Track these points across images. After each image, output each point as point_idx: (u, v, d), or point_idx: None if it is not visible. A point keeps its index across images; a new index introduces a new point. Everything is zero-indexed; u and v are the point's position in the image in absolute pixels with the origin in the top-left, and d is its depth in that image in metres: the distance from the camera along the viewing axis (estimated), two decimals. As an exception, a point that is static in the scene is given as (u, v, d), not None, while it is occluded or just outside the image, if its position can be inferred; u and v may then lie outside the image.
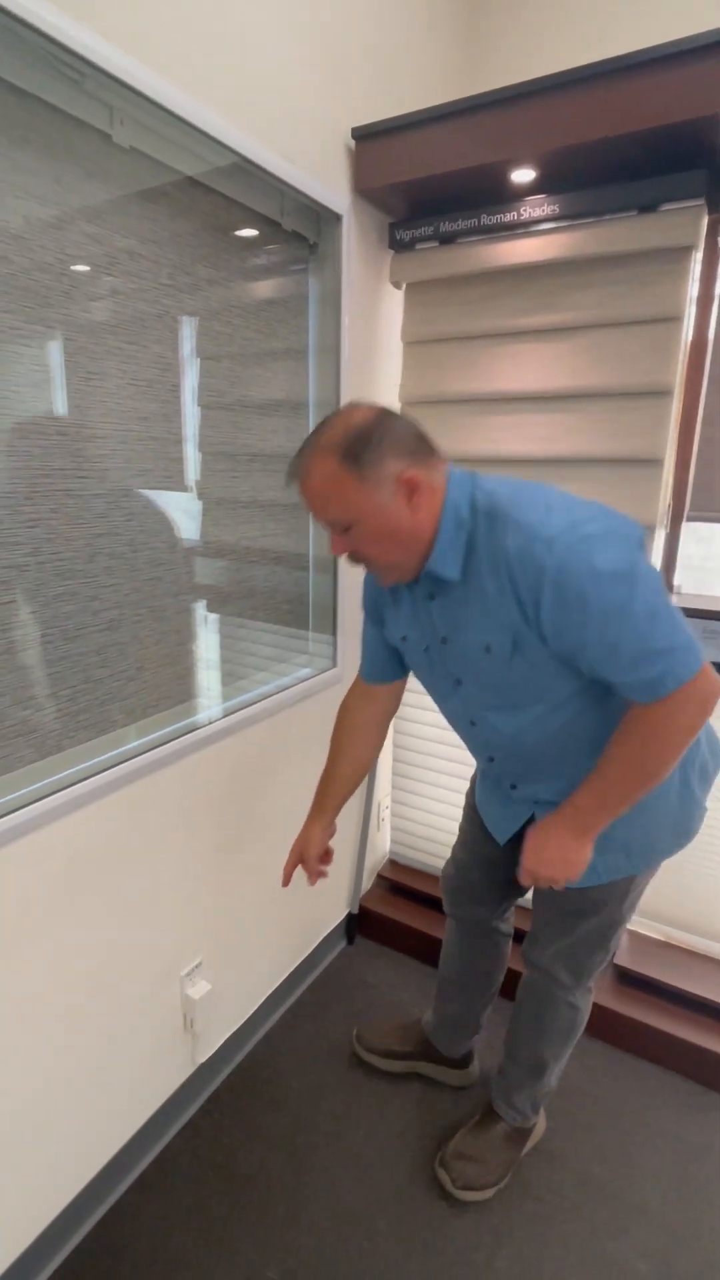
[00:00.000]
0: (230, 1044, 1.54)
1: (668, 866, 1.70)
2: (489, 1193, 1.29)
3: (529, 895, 1.29)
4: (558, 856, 1.01)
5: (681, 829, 1.11)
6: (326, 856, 1.27)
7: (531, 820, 1.14)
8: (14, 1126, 1.07)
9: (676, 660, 0.85)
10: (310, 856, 1.24)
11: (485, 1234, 1.24)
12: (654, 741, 0.90)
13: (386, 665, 1.21)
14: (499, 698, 1.01)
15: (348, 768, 1.25)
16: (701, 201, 1.31)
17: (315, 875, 1.26)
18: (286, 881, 1.25)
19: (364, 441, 0.88)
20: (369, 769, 1.28)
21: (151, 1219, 1.25)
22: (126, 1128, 1.30)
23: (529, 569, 0.86)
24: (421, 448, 0.93)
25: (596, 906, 1.14)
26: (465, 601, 0.97)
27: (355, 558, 0.97)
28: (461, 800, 1.41)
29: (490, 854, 1.29)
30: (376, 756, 1.29)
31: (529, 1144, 1.37)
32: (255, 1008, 1.62)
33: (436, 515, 0.94)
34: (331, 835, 1.27)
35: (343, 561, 1.64)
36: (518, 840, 1.20)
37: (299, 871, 1.27)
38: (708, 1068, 1.52)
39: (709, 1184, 1.33)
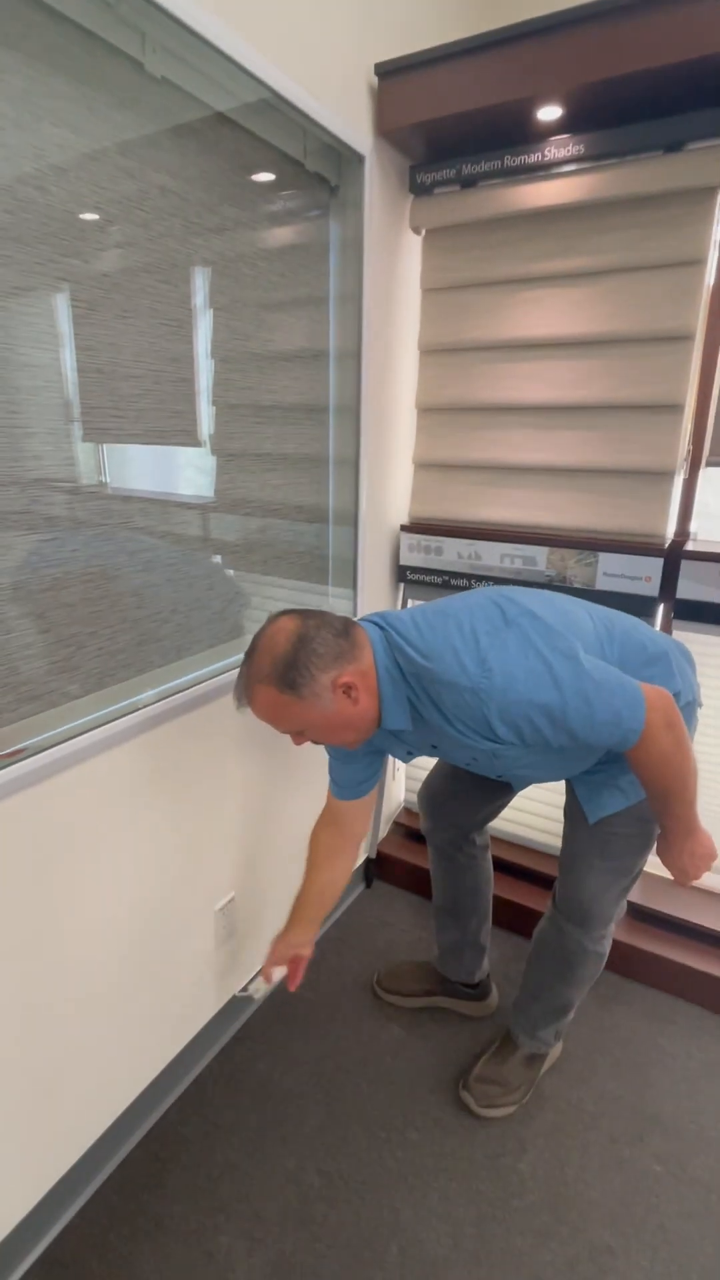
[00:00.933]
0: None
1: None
2: (511, 1109, 1.37)
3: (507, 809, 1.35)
4: (690, 863, 1.09)
5: None
6: (294, 965, 1.28)
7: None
8: (65, 1050, 1.12)
9: (625, 719, 0.96)
10: (271, 958, 1.27)
11: (510, 1141, 1.31)
12: (663, 768, 1.01)
13: (355, 787, 1.29)
14: (497, 767, 1.18)
15: (318, 889, 1.32)
16: (728, 139, 1.30)
17: (265, 975, 1.27)
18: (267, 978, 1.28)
19: (293, 668, 0.98)
20: (342, 888, 1.35)
21: (193, 1134, 1.32)
22: (166, 1051, 1.36)
23: (474, 716, 0.98)
24: (344, 645, 1.02)
25: (626, 827, 1.20)
26: (429, 732, 1.10)
27: (319, 743, 1.10)
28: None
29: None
30: (348, 876, 1.35)
31: (546, 1065, 1.44)
32: (282, 945, 1.68)
33: (375, 691, 1.05)
34: (305, 952, 1.29)
35: (364, 513, 1.66)
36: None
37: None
38: (713, 993, 1.60)
39: (717, 1095, 1.41)
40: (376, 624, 1.09)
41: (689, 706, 1.14)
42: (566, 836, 1.29)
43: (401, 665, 1.05)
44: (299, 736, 1.08)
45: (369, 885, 2.03)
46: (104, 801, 1.12)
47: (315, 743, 1.09)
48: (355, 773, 1.27)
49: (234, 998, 1.52)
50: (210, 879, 1.40)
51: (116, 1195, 1.22)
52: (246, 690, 1.04)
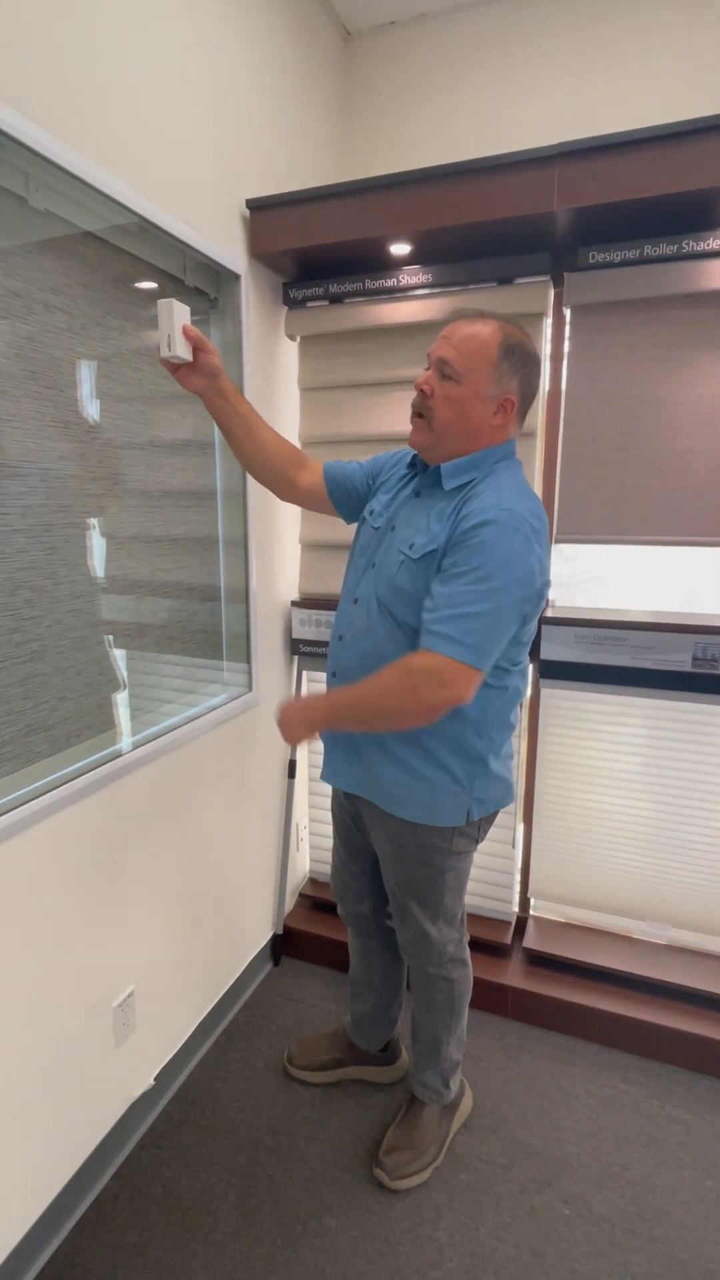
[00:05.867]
0: (165, 1074, 1.53)
1: (560, 854, 1.90)
2: (425, 1174, 1.37)
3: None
4: (296, 718, 1.17)
5: (446, 809, 1.22)
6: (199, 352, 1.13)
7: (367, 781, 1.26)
8: (-54, 1179, 1.03)
9: (466, 639, 1.03)
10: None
11: (426, 1210, 1.31)
12: (402, 682, 1.06)
13: (342, 481, 1.31)
14: (381, 588, 1.18)
15: (259, 420, 1.26)
16: (547, 278, 1.57)
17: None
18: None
19: (518, 356, 1.10)
20: (263, 447, 1.26)
21: (94, 1263, 1.22)
22: (61, 1173, 1.27)
23: (472, 510, 1.07)
24: (525, 414, 1.17)
25: (419, 864, 1.26)
26: (426, 510, 1.15)
27: (424, 404, 1.12)
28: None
29: (353, 848, 1.42)
30: (272, 458, 1.28)
31: (457, 1121, 1.47)
32: (188, 1036, 1.62)
33: (485, 446, 1.14)
34: (211, 373, 1.15)
35: (255, 591, 1.74)
36: (372, 836, 1.33)
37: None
38: (607, 1028, 1.70)
39: (615, 1130, 1.48)
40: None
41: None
42: (387, 883, 1.34)
43: (497, 468, 1.14)
44: (436, 378, 1.10)
45: (276, 963, 1.99)
46: (-11, 902, 1.08)
47: (424, 401, 1.11)
48: (352, 472, 1.31)
49: (135, 1101, 1.44)
50: (106, 974, 1.35)
51: (5, 1350, 1.10)
52: (484, 317, 1.10)
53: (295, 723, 1.17)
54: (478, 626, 1.03)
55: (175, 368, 1.14)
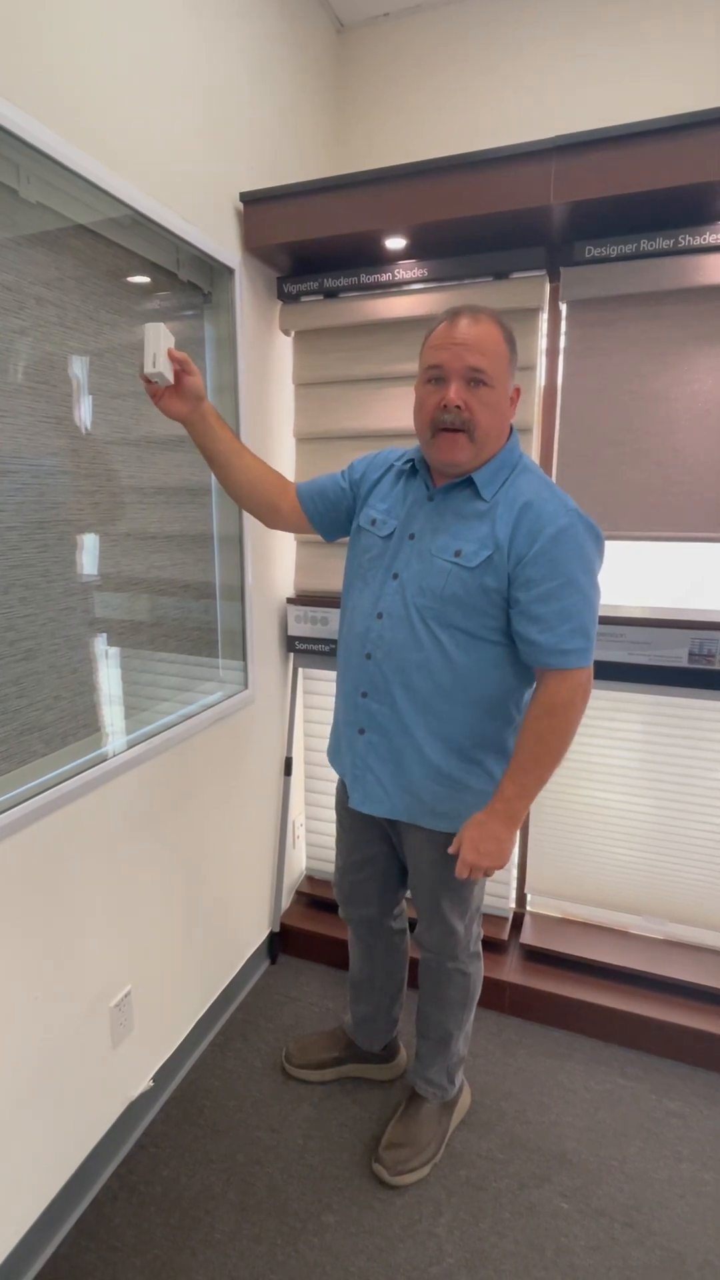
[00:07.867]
0: (162, 1074, 1.52)
1: (557, 850, 1.90)
2: (425, 1170, 1.37)
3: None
4: (493, 848, 1.11)
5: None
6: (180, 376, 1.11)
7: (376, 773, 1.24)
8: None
9: (588, 646, 1.07)
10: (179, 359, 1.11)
11: (426, 1206, 1.31)
12: (561, 716, 1.08)
13: (316, 498, 1.29)
14: (421, 598, 1.14)
15: (241, 447, 1.25)
16: (543, 272, 1.56)
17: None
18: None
19: (513, 344, 1.12)
20: (249, 473, 1.25)
21: (93, 1263, 1.21)
22: (58, 1175, 1.26)
23: (541, 515, 1.06)
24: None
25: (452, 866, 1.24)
26: (459, 515, 1.13)
27: (461, 418, 1.07)
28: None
29: (366, 854, 1.40)
30: (256, 485, 1.26)
31: (456, 1118, 1.47)
32: (185, 1035, 1.61)
33: (505, 439, 1.15)
34: (195, 396, 1.14)
35: (250, 588, 1.73)
36: (389, 836, 1.34)
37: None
38: (605, 1023, 1.70)
39: (613, 1124, 1.49)
40: None
41: None
42: (414, 878, 1.34)
43: (520, 459, 1.15)
44: (465, 388, 1.06)
45: (274, 961, 1.99)
46: (-15, 903, 1.07)
47: (457, 412, 1.06)
48: (326, 486, 1.29)
49: (133, 1101, 1.43)
50: (103, 974, 1.34)
51: None
52: (486, 314, 1.08)
53: (497, 854, 1.10)
54: (592, 628, 1.08)
55: (159, 393, 1.13)
